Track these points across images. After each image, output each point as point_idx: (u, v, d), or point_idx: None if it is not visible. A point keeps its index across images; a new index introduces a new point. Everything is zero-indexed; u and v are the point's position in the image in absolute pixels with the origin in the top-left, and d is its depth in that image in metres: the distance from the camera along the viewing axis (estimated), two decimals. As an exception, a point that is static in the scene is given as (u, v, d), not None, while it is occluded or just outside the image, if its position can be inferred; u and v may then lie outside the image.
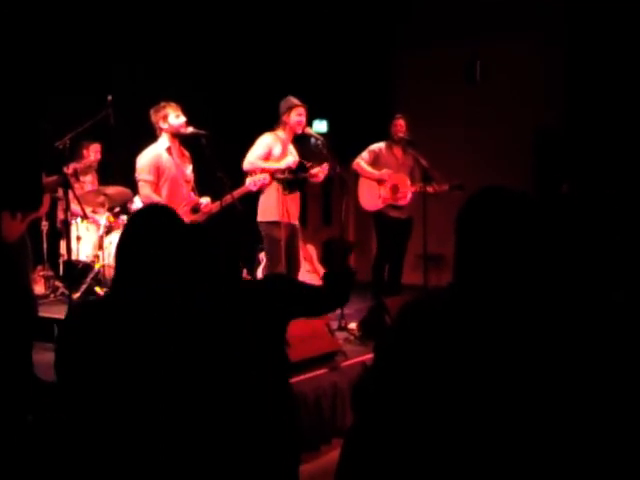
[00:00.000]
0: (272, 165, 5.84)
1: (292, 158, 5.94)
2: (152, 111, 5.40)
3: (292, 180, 5.92)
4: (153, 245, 2.23)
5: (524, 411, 1.55)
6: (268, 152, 5.88)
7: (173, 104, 5.38)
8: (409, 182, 6.95)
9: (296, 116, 5.89)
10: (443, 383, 1.60)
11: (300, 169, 5.97)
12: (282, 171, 5.84)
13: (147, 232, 2.26)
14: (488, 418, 1.55)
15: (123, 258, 2.26)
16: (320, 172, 6.01)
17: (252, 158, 5.83)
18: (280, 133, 5.97)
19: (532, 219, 1.70)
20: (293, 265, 6.05)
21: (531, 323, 1.61)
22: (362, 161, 6.98)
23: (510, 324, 1.61)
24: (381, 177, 6.90)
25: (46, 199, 4.66)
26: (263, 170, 5.77)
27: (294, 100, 5.92)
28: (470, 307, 1.65)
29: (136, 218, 2.42)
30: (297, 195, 6.09)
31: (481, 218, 1.71)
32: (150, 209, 2.55)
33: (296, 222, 6.10)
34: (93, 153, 7.31)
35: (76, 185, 6.32)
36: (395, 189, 6.93)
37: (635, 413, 1.59)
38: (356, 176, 7.06)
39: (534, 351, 1.59)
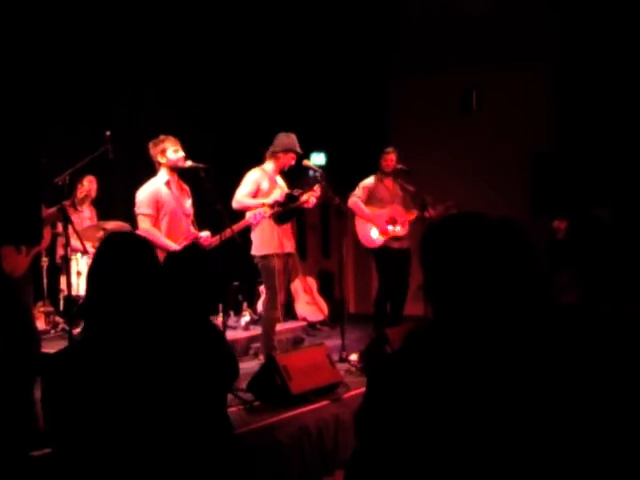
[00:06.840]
0: (260, 201, 5.89)
1: (279, 191, 6.00)
2: (150, 145, 5.38)
3: (282, 212, 5.96)
4: (128, 273, 2.23)
5: (526, 429, 1.55)
6: (256, 188, 5.96)
7: (172, 138, 5.36)
8: (404, 211, 7.03)
9: (290, 159, 6.03)
10: (441, 416, 1.59)
11: (289, 200, 6.00)
12: (271, 206, 5.89)
13: (121, 259, 2.26)
14: (491, 445, 1.55)
15: (98, 286, 2.27)
16: (311, 196, 6.03)
17: (239, 197, 5.93)
18: (267, 166, 6.04)
19: (495, 243, 1.65)
20: (284, 293, 6.20)
21: (523, 348, 1.60)
22: (359, 200, 7.00)
23: (500, 352, 1.60)
24: (374, 219, 6.95)
25: (47, 232, 4.65)
26: (251, 208, 5.83)
27: (295, 145, 6.01)
28: (458, 341, 1.63)
29: (109, 246, 2.36)
30: (289, 225, 6.13)
31: (445, 246, 1.67)
32: (121, 236, 2.48)
33: (292, 251, 6.15)
34: (87, 183, 7.28)
35: (75, 218, 6.33)
36: (393, 221, 6.96)
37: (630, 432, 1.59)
38: (353, 214, 7.08)
39: (530, 374, 1.58)
